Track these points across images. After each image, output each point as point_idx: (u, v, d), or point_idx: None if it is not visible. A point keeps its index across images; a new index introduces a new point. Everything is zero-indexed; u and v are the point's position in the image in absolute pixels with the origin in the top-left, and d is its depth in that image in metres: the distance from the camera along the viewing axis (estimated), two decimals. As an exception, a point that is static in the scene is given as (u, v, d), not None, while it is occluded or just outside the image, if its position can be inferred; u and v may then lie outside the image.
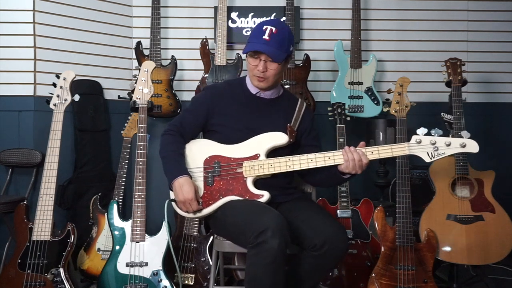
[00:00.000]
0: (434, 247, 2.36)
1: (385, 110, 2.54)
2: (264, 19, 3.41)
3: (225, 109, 2.00)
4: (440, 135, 1.82)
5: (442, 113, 2.77)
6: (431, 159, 1.82)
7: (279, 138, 1.95)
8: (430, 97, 3.45)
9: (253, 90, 2.03)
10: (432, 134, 1.83)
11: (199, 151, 1.99)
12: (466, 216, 2.50)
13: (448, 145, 1.81)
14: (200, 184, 1.95)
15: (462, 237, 2.47)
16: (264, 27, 1.90)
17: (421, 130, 1.83)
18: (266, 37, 1.88)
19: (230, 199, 1.90)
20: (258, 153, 1.93)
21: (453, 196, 2.55)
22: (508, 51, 3.58)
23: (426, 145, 1.82)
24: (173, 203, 1.97)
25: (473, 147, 1.81)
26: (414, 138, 1.84)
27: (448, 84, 2.72)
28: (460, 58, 2.71)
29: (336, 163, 1.85)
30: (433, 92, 3.46)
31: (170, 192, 1.96)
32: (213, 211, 1.92)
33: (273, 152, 1.95)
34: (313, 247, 1.75)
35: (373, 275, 2.32)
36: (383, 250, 2.35)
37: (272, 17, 3.43)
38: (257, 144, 1.94)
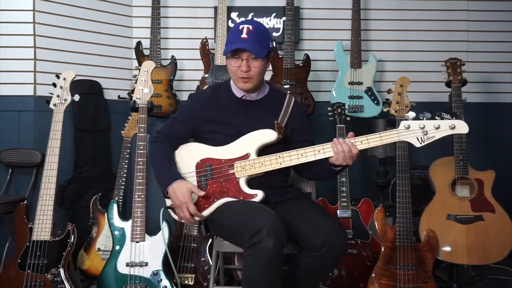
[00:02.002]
0: (434, 247, 2.36)
1: (385, 110, 2.54)
2: (264, 19, 3.42)
3: (213, 116, 1.98)
4: (429, 118, 1.77)
5: (442, 113, 2.77)
6: (421, 143, 1.77)
7: (268, 135, 1.93)
8: (430, 97, 3.45)
9: (238, 93, 2.01)
10: (421, 118, 1.78)
11: (190, 155, 1.98)
12: (466, 216, 2.50)
13: (437, 128, 1.76)
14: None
15: (462, 237, 2.47)
16: (241, 26, 1.89)
17: (410, 114, 1.79)
18: (244, 35, 1.86)
19: (225, 201, 1.89)
20: (248, 152, 1.91)
21: (453, 196, 2.55)
22: (508, 51, 3.57)
23: (415, 130, 1.77)
24: (170, 210, 1.95)
25: (462, 127, 1.75)
26: (402, 123, 1.79)
27: (448, 84, 2.72)
28: (460, 58, 2.71)
29: (326, 156, 1.83)
30: (433, 92, 3.46)
31: (167, 200, 1.94)
32: (210, 214, 1.92)
33: (266, 151, 1.93)
34: (313, 247, 1.75)
35: (373, 275, 2.33)
36: (383, 250, 2.35)
37: (272, 17, 3.43)
38: (247, 144, 1.93)
